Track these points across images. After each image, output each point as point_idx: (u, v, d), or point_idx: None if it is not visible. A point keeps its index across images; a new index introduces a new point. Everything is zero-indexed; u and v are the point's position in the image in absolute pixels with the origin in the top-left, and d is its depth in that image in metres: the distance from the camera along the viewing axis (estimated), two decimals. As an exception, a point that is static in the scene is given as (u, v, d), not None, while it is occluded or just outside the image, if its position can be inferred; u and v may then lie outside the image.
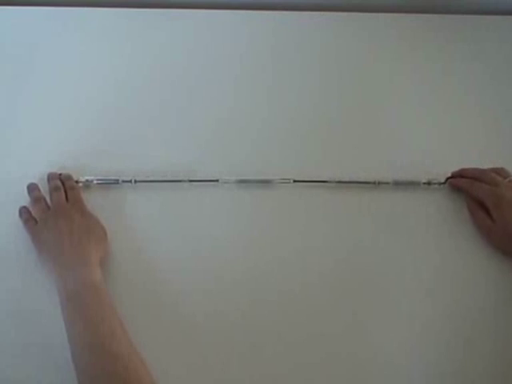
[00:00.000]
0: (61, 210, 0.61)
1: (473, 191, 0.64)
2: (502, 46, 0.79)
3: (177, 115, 0.71)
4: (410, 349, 0.58)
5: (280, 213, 0.65)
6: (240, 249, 0.63)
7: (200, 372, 0.56)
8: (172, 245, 0.63)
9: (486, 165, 0.66)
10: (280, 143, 0.70)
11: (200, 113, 0.71)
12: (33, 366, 0.55)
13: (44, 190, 0.64)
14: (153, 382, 0.50)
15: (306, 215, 0.65)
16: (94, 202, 0.64)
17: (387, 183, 0.66)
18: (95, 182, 0.65)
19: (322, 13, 0.80)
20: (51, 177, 0.65)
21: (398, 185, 0.67)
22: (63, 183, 0.64)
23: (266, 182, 0.66)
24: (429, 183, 0.67)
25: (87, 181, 0.65)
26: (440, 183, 0.67)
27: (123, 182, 0.65)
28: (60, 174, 0.65)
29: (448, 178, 0.67)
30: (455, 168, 0.67)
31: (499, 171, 0.65)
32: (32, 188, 0.64)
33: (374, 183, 0.66)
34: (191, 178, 0.66)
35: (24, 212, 0.62)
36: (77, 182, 0.65)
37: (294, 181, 0.66)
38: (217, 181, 0.65)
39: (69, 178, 0.65)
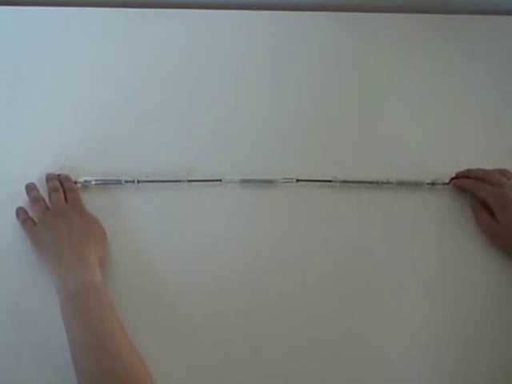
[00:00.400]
0: (60, 211, 0.61)
1: (477, 191, 0.64)
2: (502, 46, 0.79)
3: (178, 115, 0.71)
4: (410, 349, 0.58)
5: (283, 212, 0.65)
6: (242, 248, 0.63)
7: (199, 372, 0.56)
8: (173, 245, 0.62)
9: (489, 165, 0.66)
10: (282, 143, 0.69)
11: (201, 113, 0.71)
12: (33, 366, 0.55)
13: (42, 190, 0.63)
14: (152, 382, 0.50)
15: (309, 215, 0.65)
16: (93, 202, 0.64)
17: (391, 183, 0.66)
18: (93, 182, 0.65)
19: (322, 13, 0.80)
20: (50, 177, 0.64)
21: (402, 185, 0.66)
22: (62, 184, 0.64)
23: (268, 182, 0.66)
24: (433, 183, 0.66)
25: (85, 181, 0.65)
26: (444, 184, 0.66)
27: (125, 182, 0.65)
28: (58, 175, 0.65)
29: (452, 179, 0.67)
30: (459, 168, 0.67)
31: (503, 172, 0.65)
32: (30, 188, 0.64)
33: (378, 183, 0.66)
34: (193, 178, 0.65)
35: (21, 213, 0.62)
36: (75, 182, 0.65)
37: (297, 180, 0.66)
38: (219, 180, 0.65)
39: (67, 178, 0.65)
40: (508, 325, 0.59)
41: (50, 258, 0.57)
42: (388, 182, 0.66)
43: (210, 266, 0.61)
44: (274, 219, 0.64)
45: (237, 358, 0.57)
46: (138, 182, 0.65)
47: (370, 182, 0.66)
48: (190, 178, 0.65)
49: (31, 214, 0.62)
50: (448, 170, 0.67)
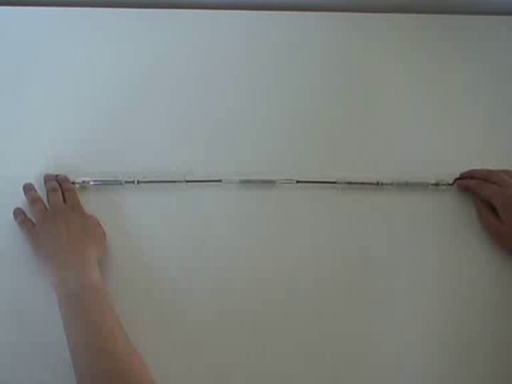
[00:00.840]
0: (59, 211, 0.61)
1: (481, 192, 0.64)
2: (502, 45, 0.79)
3: (177, 115, 0.71)
4: (413, 349, 0.58)
5: (283, 213, 0.65)
6: (242, 249, 0.63)
7: (200, 372, 0.56)
8: (173, 246, 0.62)
9: (493, 165, 0.66)
10: (283, 143, 0.69)
11: (201, 113, 0.71)
12: (33, 365, 0.55)
13: (40, 191, 0.64)
14: (152, 382, 0.50)
15: (310, 216, 0.65)
16: (91, 202, 0.64)
17: (394, 184, 0.66)
18: (92, 182, 0.65)
19: (322, 13, 0.80)
20: (48, 178, 0.64)
21: (406, 186, 0.66)
22: (60, 184, 0.64)
23: (268, 183, 0.65)
24: (437, 184, 0.66)
25: (84, 182, 0.65)
26: (448, 184, 0.66)
27: (125, 182, 0.65)
28: (56, 176, 0.65)
29: (456, 179, 0.66)
30: (463, 169, 0.67)
31: (508, 172, 0.65)
32: (28, 188, 0.64)
33: (380, 184, 0.66)
34: (193, 179, 0.65)
35: (19, 213, 0.62)
36: (73, 183, 0.65)
37: (298, 181, 0.65)
38: (219, 181, 0.65)
39: (65, 179, 0.65)
40: (510, 324, 0.59)
41: (48, 258, 0.57)
42: (392, 183, 0.66)
43: (209, 266, 0.61)
44: (273, 220, 0.64)
45: (236, 358, 0.57)
46: (138, 182, 0.65)
47: (372, 184, 0.66)
48: (189, 179, 0.65)
49: (29, 215, 0.62)
50: (452, 171, 0.67)
